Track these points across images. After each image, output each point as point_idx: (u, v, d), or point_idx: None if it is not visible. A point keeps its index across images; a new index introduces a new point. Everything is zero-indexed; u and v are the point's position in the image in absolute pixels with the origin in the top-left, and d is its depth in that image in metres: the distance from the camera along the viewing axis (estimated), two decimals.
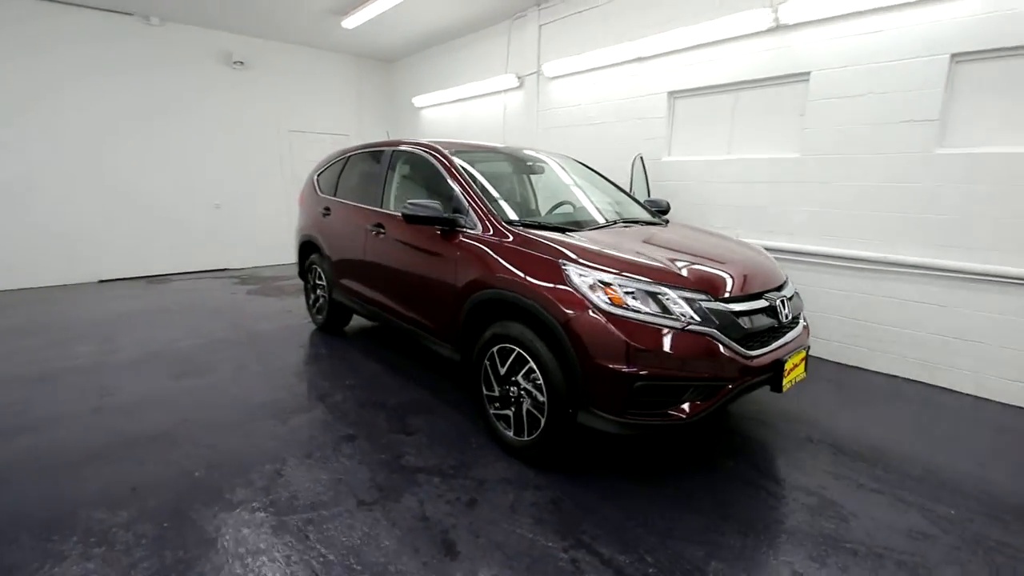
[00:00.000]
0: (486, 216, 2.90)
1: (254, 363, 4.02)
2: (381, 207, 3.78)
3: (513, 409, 2.66)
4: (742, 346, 2.30)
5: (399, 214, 3.47)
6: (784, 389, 2.43)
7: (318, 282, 4.69)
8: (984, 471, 2.68)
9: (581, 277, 2.33)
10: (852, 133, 3.92)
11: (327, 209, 4.43)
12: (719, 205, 4.75)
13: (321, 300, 4.70)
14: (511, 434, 2.71)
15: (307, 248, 4.88)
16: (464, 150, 3.48)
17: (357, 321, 5.02)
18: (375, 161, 4.10)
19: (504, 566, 1.96)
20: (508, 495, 2.41)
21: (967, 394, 3.62)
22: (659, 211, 3.79)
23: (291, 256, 8.51)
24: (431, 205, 3.01)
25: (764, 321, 2.45)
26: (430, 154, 3.43)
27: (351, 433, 2.97)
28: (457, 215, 3.00)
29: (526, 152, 3.92)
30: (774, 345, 2.45)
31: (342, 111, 8.78)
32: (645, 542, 2.11)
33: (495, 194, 3.10)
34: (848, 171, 3.97)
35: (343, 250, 4.18)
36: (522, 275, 2.52)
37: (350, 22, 6.67)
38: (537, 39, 6.26)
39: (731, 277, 2.48)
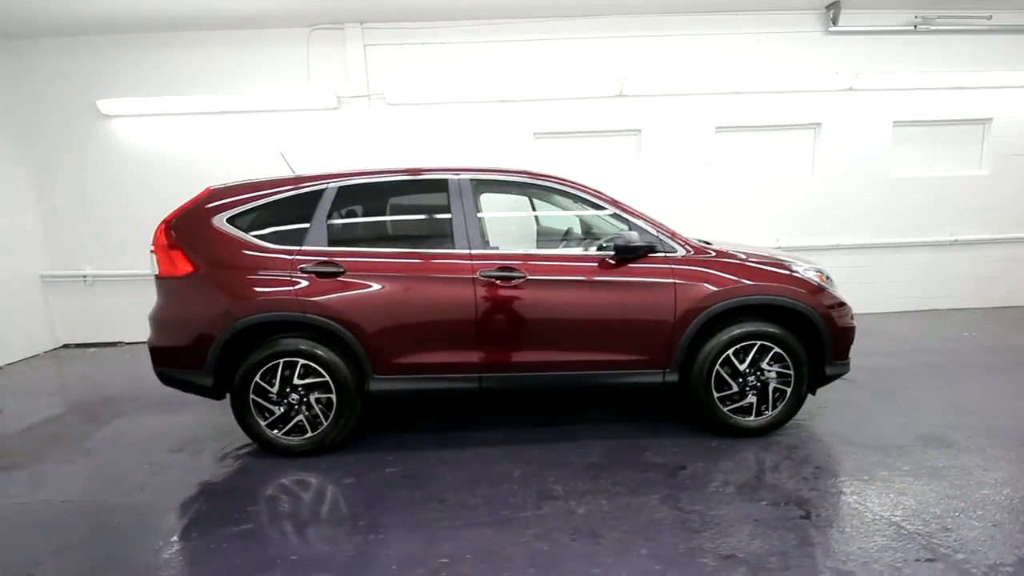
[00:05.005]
0: (683, 240, 3.14)
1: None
2: (486, 249, 3.06)
3: (755, 394, 3.13)
4: None
5: (551, 251, 3.16)
6: None
7: (301, 383, 3.00)
8: None
9: (806, 271, 3.14)
10: (670, 170, 5.96)
11: (328, 264, 2.97)
12: None
13: (316, 407, 3.03)
14: (751, 418, 3.16)
15: (246, 338, 3.00)
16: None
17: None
18: (423, 192, 3.20)
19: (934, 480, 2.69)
20: (825, 454, 2.98)
21: None
22: None
23: None
24: (637, 235, 2.98)
25: None
26: (565, 185, 3.19)
27: (661, 495, 2.60)
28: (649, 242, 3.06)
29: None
30: None
31: None
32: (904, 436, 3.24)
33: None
34: (670, 194, 5.99)
35: (410, 316, 2.98)
36: (761, 279, 3.07)
37: None
38: (363, 60, 5.58)
39: None
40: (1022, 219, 6.12)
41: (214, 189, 3.18)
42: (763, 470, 2.83)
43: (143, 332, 5.86)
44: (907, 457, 2.91)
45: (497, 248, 3.11)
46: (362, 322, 2.97)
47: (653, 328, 3.06)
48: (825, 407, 3.63)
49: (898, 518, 2.37)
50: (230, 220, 3.07)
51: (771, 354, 3.10)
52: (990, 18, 5.58)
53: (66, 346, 6.01)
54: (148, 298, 5.72)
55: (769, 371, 3.12)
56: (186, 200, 3.20)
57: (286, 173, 3.47)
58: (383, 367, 3.03)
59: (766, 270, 3.12)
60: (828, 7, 5.58)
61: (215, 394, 3.09)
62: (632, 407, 3.72)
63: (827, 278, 3.22)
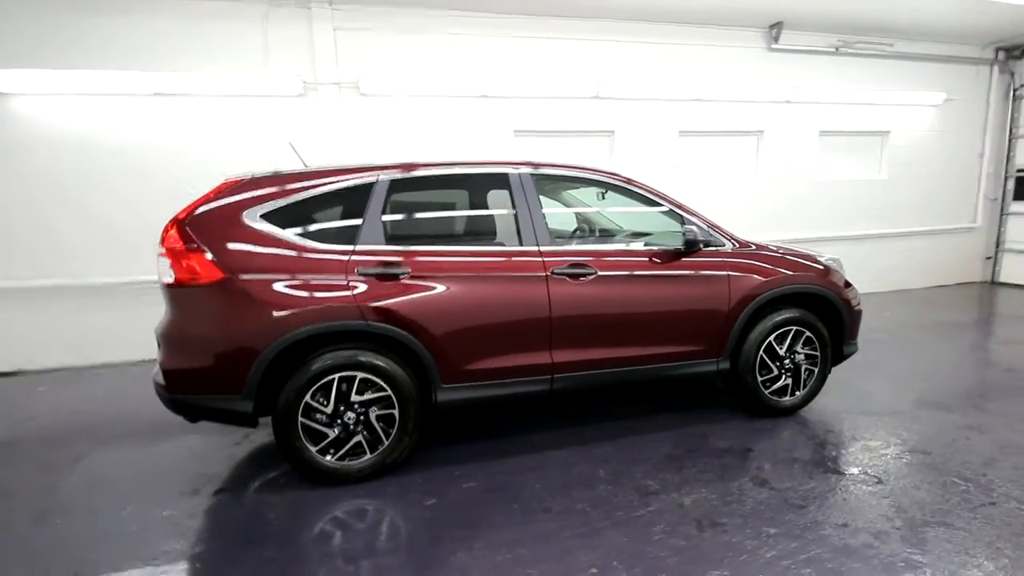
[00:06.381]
0: (729, 235, 3.31)
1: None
2: (554, 245, 2.96)
3: (791, 376, 3.39)
4: None
5: (617, 247, 3.19)
6: None
7: (359, 399, 2.65)
8: None
9: (828, 262, 3.48)
10: (640, 171, 6.13)
11: (391, 265, 2.67)
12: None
13: (377, 426, 2.70)
14: (786, 398, 3.42)
15: (289, 353, 2.59)
16: None
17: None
18: (482, 186, 3.03)
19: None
20: (855, 425, 3.31)
21: None
22: None
23: None
24: (698, 230, 3.08)
25: None
26: (622, 181, 3.24)
27: (750, 477, 2.72)
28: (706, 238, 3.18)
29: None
30: None
31: None
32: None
33: None
34: None
35: (481, 318, 2.78)
36: (797, 270, 3.34)
37: None
38: (333, 45, 5.08)
39: None
40: (913, 217, 7.35)
41: (238, 181, 2.71)
42: (819, 445, 3.08)
43: (55, 356, 4.94)
44: (918, 421, 3.35)
45: (566, 244, 3.05)
46: (431, 328, 2.72)
47: (711, 318, 3.18)
48: None
49: (951, 471, 2.73)
50: (264, 217, 2.64)
51: (803, 338, 3.39)
52: (892, 45, 6.62)
53: None
54: (57, 314, 4.79)
55: (800, 353, 3.41)
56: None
57: (295, 166, 3.08)
58: (452, 375, 2.80)
59: (800, 262, 3.40)
60: (771, 27, 6.22)
61: (252, 421, 2.64)
62: (656, 398, 3.83)
63: (840, 267, 3.60)
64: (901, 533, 2.26)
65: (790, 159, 6.77)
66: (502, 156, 5.54)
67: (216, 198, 2.65)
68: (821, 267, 3.43)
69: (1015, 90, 7.25)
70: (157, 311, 2.75)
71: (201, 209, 2.61)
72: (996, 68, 7.24)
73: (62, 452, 3.23)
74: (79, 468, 3.04)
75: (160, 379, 2.60)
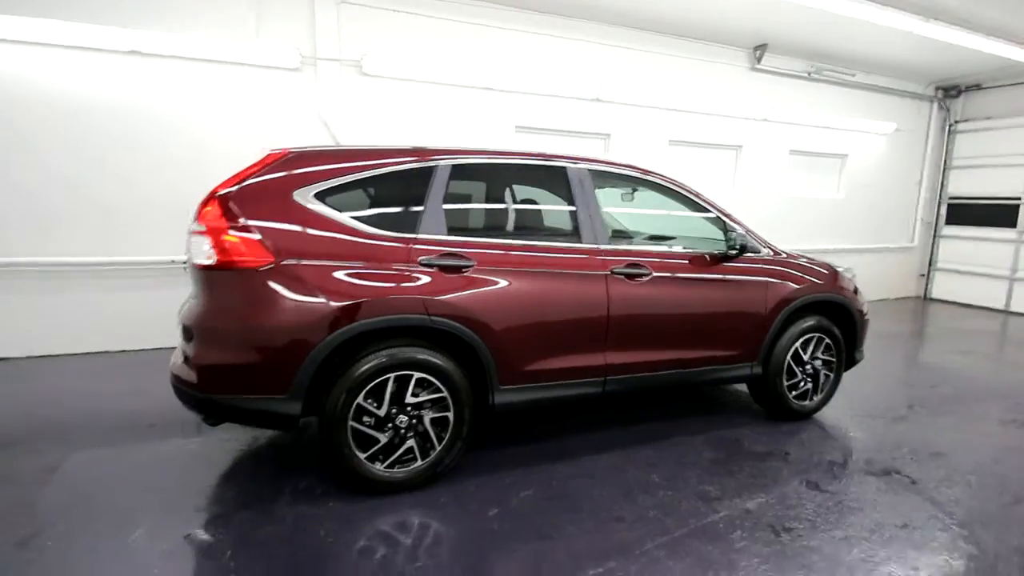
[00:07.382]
0: (765, 242, 3.38)
1: None
2: (612, 244, 2.89)
3: (810, 380, 3.52)
4: None
5: (677, 248, 3.17)
6: None
7: (414, 400, 2.43)
8: None
9: (844, 272, 3.65)
10: None
11: (455, 257, 2.48)
12: None
13: (431, 430, 2.48)
14: (807, 402, 3.56)
15: (343, 350, 2.32)
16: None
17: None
18: (541, 178, 2.89)
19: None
20: (868, 429, 3.48)
21: None
22: None
23: None
24: (745, 234, 3.12)
25: None
26: (673, 184, 3.23)
27: (799, 480, 2.78)
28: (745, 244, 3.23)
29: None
30: None
31: None
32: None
33: None
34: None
35: (543, 316, 2.64)
36: (821, 279, 3.47)
37: None
38: (336, 17, 4.70)
39: None
40: (863, 235, 8.00)
41: (285, 153, 2.40)
42: (847, 447, 3.22)
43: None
44: (920, 424, 3.59)
45: (626, 243, 2.99)
46: (494, 325, 2.55)
47: (751, 323, 3.24)
48: None
49: (968, 469, 2.94)
50: (318, 196, 2.36)
51: (824, 344, 3.54)
52: (854, 76, 7.18)
53: None
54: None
55: (819, 359, 3.56)
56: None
57: (324, 142, 2.81)
58: (510, 376, 2.64)
59: (823, 271, 3.54)
60: (756, 48, 6.54)
61: (295, 424, 2.34)
62: (673, 402, 3.87)
63: (854, 276, 3.81)
64: (955, 531, 2.39)
65: (764, 175, 7.15)
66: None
67: (262, 172, 2.33)
68: (839, 276, 3.61)
69: (950, 125, 8.13)
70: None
71: (246, 183, 2.28)
72: (936, 104, 8.08)
73: (30, 460, 2.72)
74: (56, 480, 2.56)
75: (188, 375, 2.24)
